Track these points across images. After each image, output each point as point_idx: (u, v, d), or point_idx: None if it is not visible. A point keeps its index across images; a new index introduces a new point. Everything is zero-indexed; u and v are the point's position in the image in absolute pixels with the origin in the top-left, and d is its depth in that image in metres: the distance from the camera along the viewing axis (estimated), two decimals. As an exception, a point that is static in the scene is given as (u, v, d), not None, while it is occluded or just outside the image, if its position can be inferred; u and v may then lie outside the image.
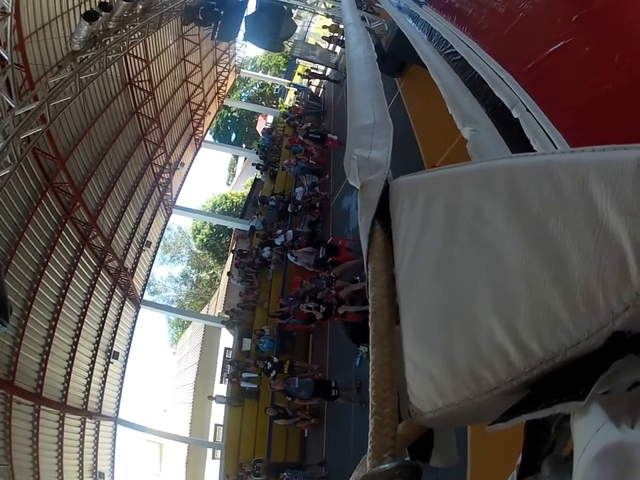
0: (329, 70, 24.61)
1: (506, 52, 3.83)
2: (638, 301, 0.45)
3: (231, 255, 26.68)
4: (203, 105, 25.49)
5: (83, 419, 14.45)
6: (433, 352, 0.66)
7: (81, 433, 14.41)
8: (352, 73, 1.72)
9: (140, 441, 20.72)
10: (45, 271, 13.47)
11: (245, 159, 36.48)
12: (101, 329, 16.59)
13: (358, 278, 10.90)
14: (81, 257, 15.65)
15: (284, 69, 38.47)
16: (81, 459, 14.16)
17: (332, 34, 21.46)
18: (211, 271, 38.72)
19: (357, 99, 1.38)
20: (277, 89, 38.56)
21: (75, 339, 14.73)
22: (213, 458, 19.02)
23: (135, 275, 20.44)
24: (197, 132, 26.21)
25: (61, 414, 13.72)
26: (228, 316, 20.52)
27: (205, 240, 37.57)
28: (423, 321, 0.70)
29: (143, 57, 17.19)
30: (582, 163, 0.53)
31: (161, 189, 22.76)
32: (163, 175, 22.59)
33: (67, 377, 13.91)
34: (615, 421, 0.45)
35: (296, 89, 30.42)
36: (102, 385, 15.77)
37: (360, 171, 0.96)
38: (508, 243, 0.58)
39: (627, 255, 0.46)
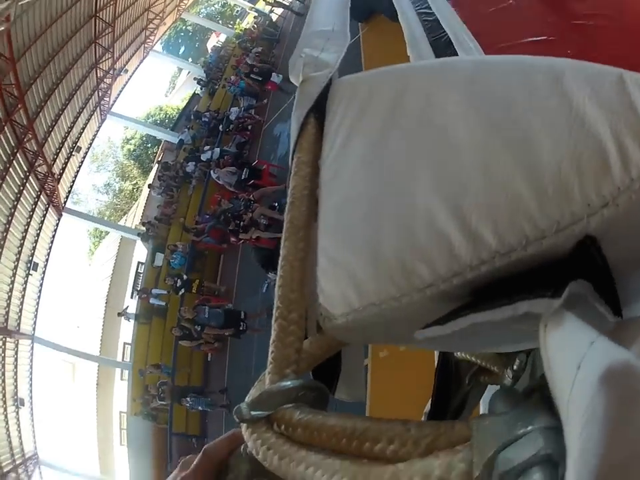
0: (295, 2, 23.89)
1: (482, 27, 3.64)
2: (619, 199, 0.39)
3: (156, 166, 25.90)
4: (161, 15, 23.80)
5: (3, 339, 13.91)
6: (353, 241, 0.55)
7: (2, 354, 13.85)
8: None
9: (54, 361, 20.30)
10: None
11: (188, 72, 34.60)
12: (23, 238, 15.69)
13: (276, 204, 10.73)
14: (14, 162, 14.71)
15: (250, -9, 36.36)
16: (3, 384, 13.64)
17: (307, -36, 20.71)
18: (134, 181, 37.25)
19: (318, 10, 1.22)
20: (237, 11, 36.45)
21: (-1, 250, 14.06)
22: (122, 379, 19.31)
23: (61, 181, 19.46)
24: (148, 40, 24.54)
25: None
26: (144, 228, 20.19)
27: (132, 150, 35.83)
28: (344, 209, 0.59)
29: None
30: (556, 65, 0.49)
31: (100, 94, 21.42)
32: (105, 80, 21.24)
33: (-11, 293, 13.28)
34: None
35: (256, 14, 29.22)
36: (21, 300, 15.07)
37: (305, 67, 0.85)
38: (461, 123, 0.50)
39: (607, 146, 0.40)
